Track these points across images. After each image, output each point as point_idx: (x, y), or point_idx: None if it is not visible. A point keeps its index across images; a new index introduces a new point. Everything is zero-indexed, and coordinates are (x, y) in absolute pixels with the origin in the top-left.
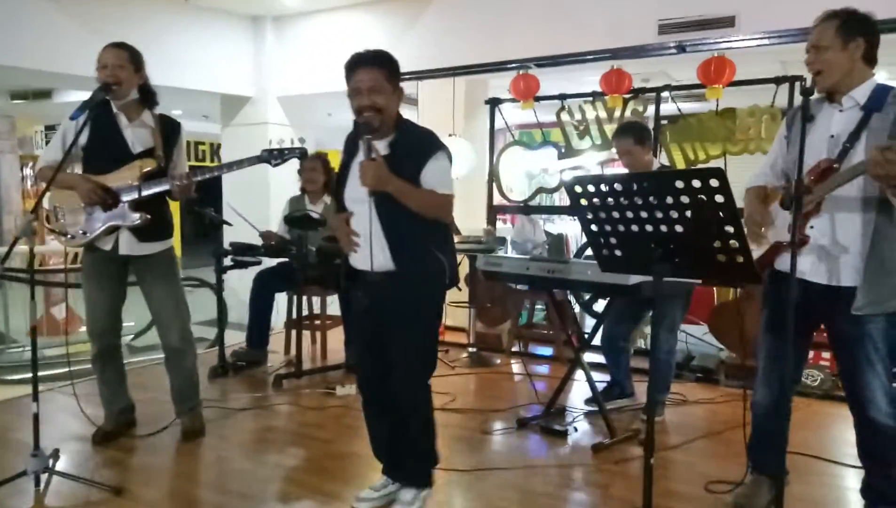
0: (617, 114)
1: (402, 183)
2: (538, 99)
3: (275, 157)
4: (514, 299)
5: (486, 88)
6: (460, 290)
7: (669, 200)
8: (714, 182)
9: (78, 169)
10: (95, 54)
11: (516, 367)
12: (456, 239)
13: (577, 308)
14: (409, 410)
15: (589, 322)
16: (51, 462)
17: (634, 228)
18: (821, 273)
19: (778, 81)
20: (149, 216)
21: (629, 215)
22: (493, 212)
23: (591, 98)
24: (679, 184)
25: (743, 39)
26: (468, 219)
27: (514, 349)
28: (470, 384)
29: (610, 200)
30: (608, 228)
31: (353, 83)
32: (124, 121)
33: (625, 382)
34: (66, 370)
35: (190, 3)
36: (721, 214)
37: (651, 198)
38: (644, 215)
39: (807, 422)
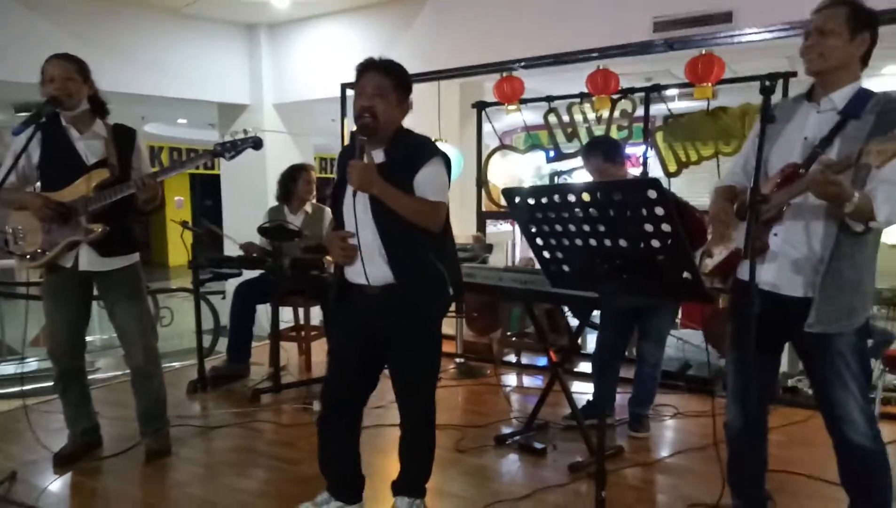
0: (605, 115)
1: (388, 187)
2: (525, 102)
3: (227, 149)
4: (503, 307)
5: (483, 92)
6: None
7: (610, 212)
8: (651, 193)
9: (36, 188)
10: (90, 66)
11: (505, 379)
12: None
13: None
14: (419, 426)
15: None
16: (4, 486)
17: (578, 242)
18: (782, 284)
19: (769, 77)
20: (107, 228)
21: (572, 228)
22: (482, 218)
23: (578, 100)
24: (616, 196)
25: (736, 35)
26: (461, 225)
27: (505, 360)
28: (453, 398)
29: (551, 213)
30: (553, 241)
31: (358, 86)
32: (75, 133)
33: (604, 401)
34: (21, 388)
35: (182, 13)
36: (663, 226)
37: (591, 210)
38: (587, 228)
39: (805, 438)
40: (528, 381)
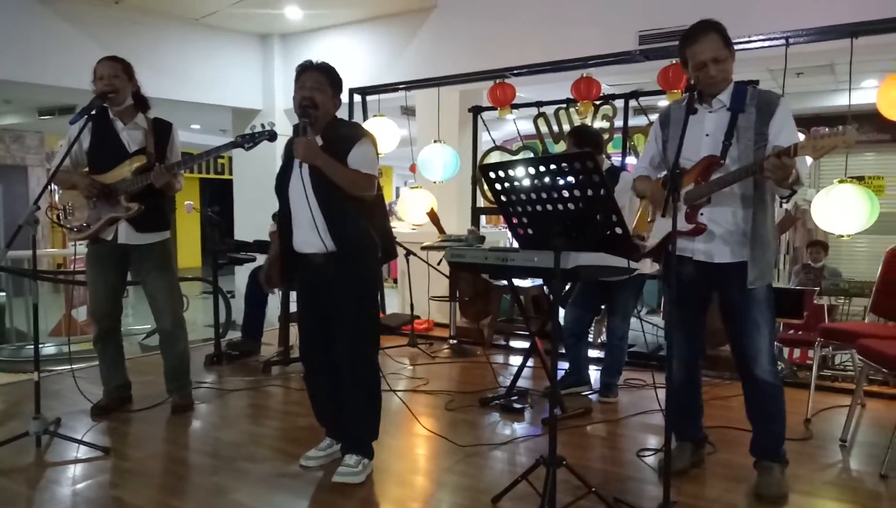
0: (588, 120)
1: (329, 159)
2: (516, 106)
3: (247, 140)
4: (495, 294)
5: (480, 99)
6: (441, 271)
7: (560, 181)
8: (589, 163)
9: (84, 171)
10: None
11: (494, 358)
12: (440, 237)
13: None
14: (353, 382)
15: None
16: (52, 427)
17: (539, 208)
18: (712, 254)
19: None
20: (143, 207)
21: (533, 196)
22: (476, 213)
23: (564, 105)
24: (563, 166)
25: None
26: (459, 220)
27: (495, 343)
28: (445, 372)
29: (517, 183)
30: (520, 208)
31: (298, 82)
32: (120, 124)
33: (581, 371)
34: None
35: (200, 22)
36: (599, 191)
37: (546, 180)
38: (544, 195)
39: None
40: (514, 361)
